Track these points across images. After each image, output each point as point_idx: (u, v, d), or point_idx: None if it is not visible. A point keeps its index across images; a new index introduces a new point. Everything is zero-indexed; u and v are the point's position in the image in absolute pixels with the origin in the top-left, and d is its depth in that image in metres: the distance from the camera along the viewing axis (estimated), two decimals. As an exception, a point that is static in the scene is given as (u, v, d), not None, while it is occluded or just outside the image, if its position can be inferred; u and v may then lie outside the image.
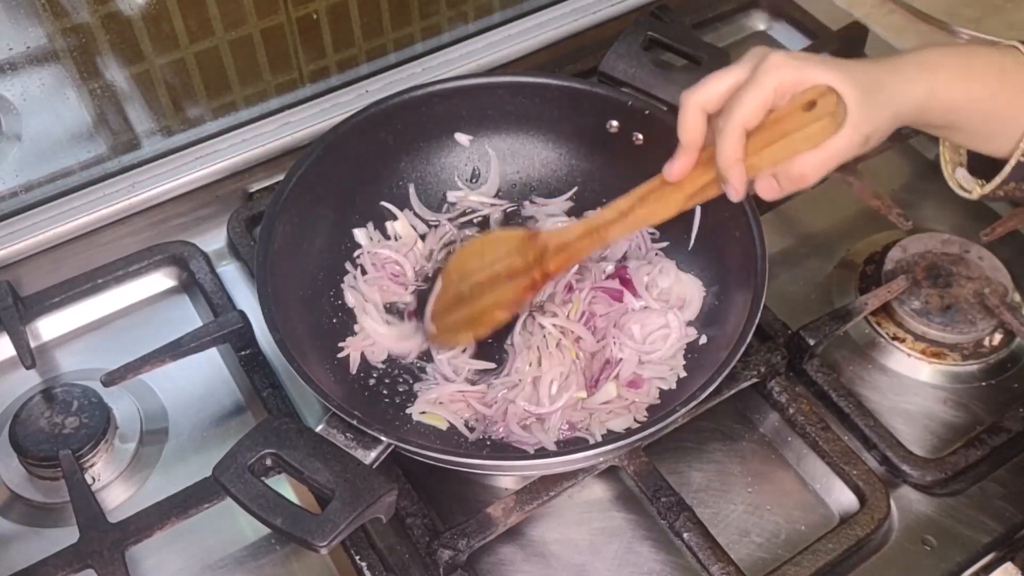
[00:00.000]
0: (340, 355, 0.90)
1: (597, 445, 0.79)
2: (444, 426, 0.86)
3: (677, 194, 0.75)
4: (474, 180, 1.02)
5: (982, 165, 0.77)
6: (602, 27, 1.23)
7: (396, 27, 1.13)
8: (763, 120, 0.69)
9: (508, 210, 1.02)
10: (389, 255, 0.96)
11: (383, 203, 0.99)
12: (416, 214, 1.00)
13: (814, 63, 0.68)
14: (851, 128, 0.68)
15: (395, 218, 0.99)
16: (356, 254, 0.96)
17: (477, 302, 0.87)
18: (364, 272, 0.95)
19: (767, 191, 0.71)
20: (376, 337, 0.91)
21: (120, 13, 0.94)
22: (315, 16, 1.06)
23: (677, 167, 0.74)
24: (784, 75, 0.68)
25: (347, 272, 0.95)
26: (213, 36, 1.01)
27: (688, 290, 0.93)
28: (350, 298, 0.93)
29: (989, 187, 0.76)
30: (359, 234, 0.97)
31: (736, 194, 0.71)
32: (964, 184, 0.79)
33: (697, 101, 0.72)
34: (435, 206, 1.01)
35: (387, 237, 0.98)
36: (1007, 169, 0.73)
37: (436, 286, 0.89)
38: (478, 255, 0.88)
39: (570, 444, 0.84)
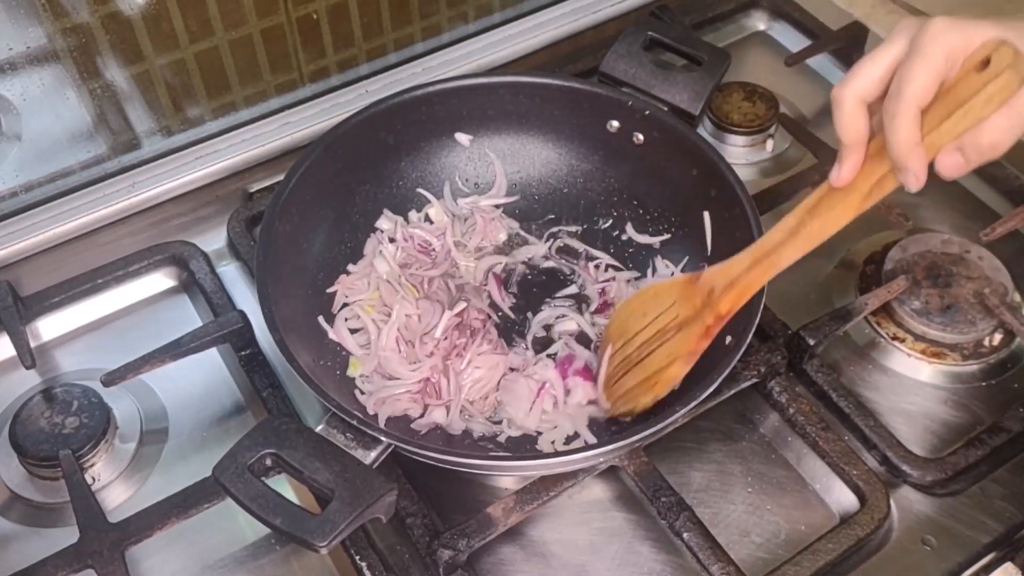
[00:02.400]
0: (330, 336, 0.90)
1: (597, 445, 0.79)
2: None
3: (851, 197, 0.69)
4: (477, 185, 1.02)
5: None
6: (602, 27, 1.23)
7: (396, 27, 1.14)
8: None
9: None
10: (419, 233, 0.96)
11: (419, 190, 1.00)
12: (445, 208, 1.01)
13: (977, 21, 0.61)
14: None
15: (429, 203, 1.00)
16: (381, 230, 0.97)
17: (650, 362, 0.82)
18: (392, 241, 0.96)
19: (952, 169, 0.64)
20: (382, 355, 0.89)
21: (120, 13, 0.94)
22: (315, 16, 1.06)
23: (847, 169, 0.67)
24: (951, 39, 0.61)
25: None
26: (213, 36, 1.01)
27: None
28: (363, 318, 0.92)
29: None
30: (383, 221, 0.98)
31: (917, 182, 0.64)
32: None
33: (854, 93, 0.65)
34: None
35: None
36: None
37: (601, 359, 0.86)
38: (639, 314, 0.84)
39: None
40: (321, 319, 0.91)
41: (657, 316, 0.82)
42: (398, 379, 0.86)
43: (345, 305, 0.93)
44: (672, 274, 0.95)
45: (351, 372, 0.89)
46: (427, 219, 0.99)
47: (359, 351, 0.89)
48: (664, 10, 1.20)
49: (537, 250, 0.99)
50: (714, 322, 0.78)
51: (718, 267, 0.79)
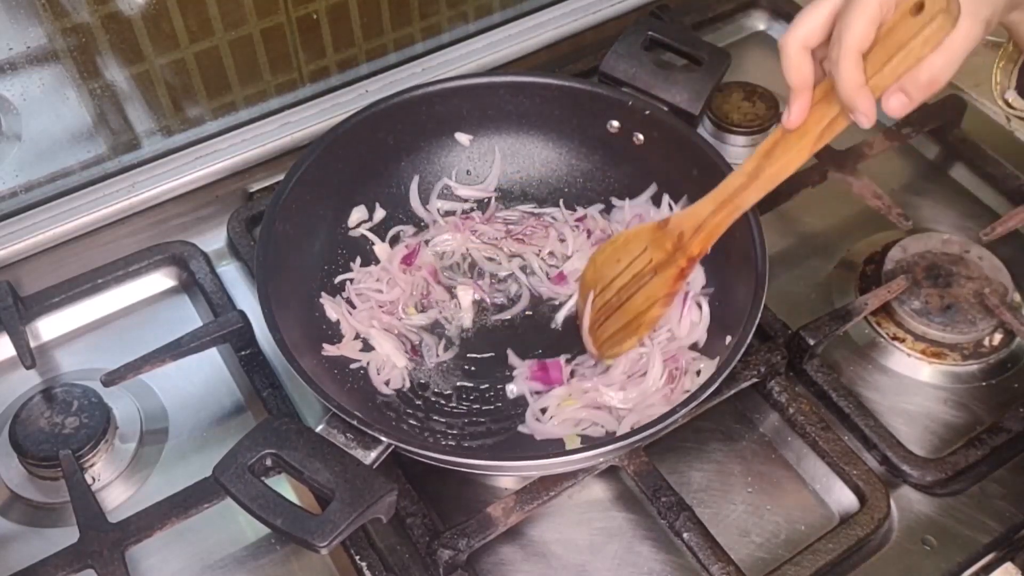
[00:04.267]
0: (352, 366, 0.89)
1: (597, 445, 0.79)
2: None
3: (804, 139, 0.73)
4: (469, 174, 1.03)
5: None
6: (602, 27, 1.23)
7: (396, 27, 1.13)
8: (875, 37, 0.66)
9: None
10: (370, 286, 0.94)
11: (363, 231, 0.98)
12: (413, 211, 1.00)
13: None
14: (969, 18, 0.64)
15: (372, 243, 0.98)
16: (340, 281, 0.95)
17: (630, 306, 0.86)
18: (352, 306, 0.93)
19: (898, 107, 0.68)
20: (398, 363, 0.90)
21: (120, 13, 0.94)
22: (315, 16, 1.06)
23: (795, 111, 0.72)
24: None
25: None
26: (213, 36, 1.01)
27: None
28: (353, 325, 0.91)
29: None
30: (353, 217, 0.98)
31: (867, 120, 0.68)
32: (1014, 103, 0.77)
33: (797, 39, 0.70)
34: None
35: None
36: None
37: (578, 304, 0.89)
38: (612, 261, 0.88)
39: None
40: (324, 296, 0.92)
41: (631, 262, 0.86)
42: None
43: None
44: (696, 276, 0.94)
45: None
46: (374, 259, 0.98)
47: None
48: (664, 10, 1.20)
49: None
50: (687, 264, 0.83)
51: (684, 212, 0.83)
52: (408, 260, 0.96)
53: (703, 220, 0.81)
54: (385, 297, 0.93)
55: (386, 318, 0.92)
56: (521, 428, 0.86)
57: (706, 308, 0.90)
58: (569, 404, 0.86)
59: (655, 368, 0.85)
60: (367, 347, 0.90)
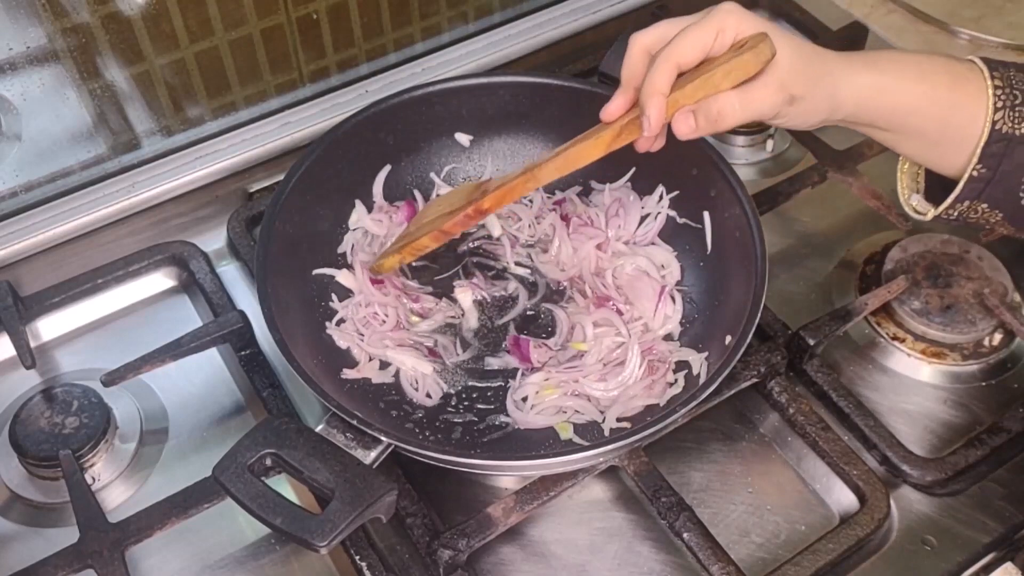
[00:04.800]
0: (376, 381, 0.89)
1: (597, 445, 0.79)
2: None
3: (604, 132, 0.76)
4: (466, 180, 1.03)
5: (941, 195, 0.75)
6: (602, 27, 1.23)
7: (396, 27, 1.13)
8: (699, 64, 0.70)
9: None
10: (365, 314, 0.92)
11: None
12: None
13: (765, 21, 0.69)
14: (775, 80, 0.68)
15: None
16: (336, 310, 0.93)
17: (411, 234, 0.89)
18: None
19: (684, 128, 0.71)
20: (425, 371, 0.89)
21: (120, 13, 0.94)
22: (315, 16, 1.06)
23: (613, 106, 0.75)
24: (729, 19, 0.68)
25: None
26: (213, 36, 1.01)
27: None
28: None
29: (943, 206, 0.74)
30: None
31: (649, 126, 0.71)
32: (919, 208, 0.79)
33: (643, 42, 0.74)
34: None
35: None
36: (960, 185, 0.72)
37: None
38: (435, 205, 0.92)
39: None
40: (331, 328, 0.91)
41: (444, 208, 0.89)
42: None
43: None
44: (673, 270, 0.95)
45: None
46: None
47: None
48: (664, 10, 1.20)
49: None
50: (473, 213, 0.84)
51: (498, 177, 0.87)
52: (376, 281, 0.94)
53: (506, 182, 0.83)
54: (388, 324, 0.91)
55: (396, 334, 0.91)
56: (504, 417, 0.86)
57: (679, 301, 0.92)
58: (549, 393, 0.86)
59: (633, 358, 0.86)
60: (383, 364, 0.90)
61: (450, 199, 0.90)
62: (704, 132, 0.71)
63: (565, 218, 0.98)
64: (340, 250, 0.96)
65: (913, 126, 0.72)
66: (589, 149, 0.77)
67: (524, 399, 0.86)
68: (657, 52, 0.71)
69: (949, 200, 0.74)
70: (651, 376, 0.86)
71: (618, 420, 0.84)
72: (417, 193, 1.00)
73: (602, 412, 0.85)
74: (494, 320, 0.94)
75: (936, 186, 0.78)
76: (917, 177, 0.80)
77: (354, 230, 0.97)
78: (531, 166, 0.81)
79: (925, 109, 0.71)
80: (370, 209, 0.98)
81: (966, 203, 0.73)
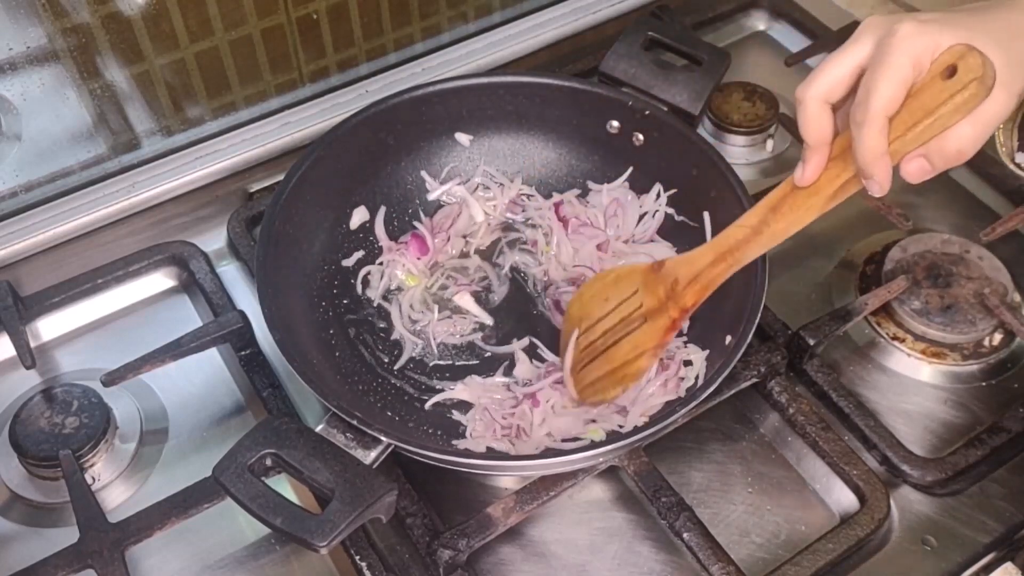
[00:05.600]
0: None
1: (597, 445, 0.79)
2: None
3: (814, 198, 0.69)
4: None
5: None
6: (602, 27, 1.23)
7: (396, 27, 1.13)
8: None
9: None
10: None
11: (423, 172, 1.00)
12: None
13: (948, 24, 0.61)
14: (1002, 89, 0.60)
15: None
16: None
17: (615, 353, 0.82)
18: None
19: (917, 174, 0.64)
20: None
21: (120, 13, 0.94)
22: (315, 16, 1.06)
23: (810, 170, 0.68)
24: (920, 45, 0.60)
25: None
26: (213, 36, 1.01)
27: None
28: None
29: None
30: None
31: (881, 190, 0.65)
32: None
33: (818, 94, 0.65)
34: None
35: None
36: None
37: (567, 343, 0.86)
38: (600, 299, 0.84)
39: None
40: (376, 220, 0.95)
41: (620, 303, 0.82)
42: None
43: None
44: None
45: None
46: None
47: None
48: (664, 10, 1.20)
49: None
50: (679, 315, 0.78)
51: (681, 258, 0.79)
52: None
53: (700, 270, 0.77)
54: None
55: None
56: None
57: None
58: (571, 406, 0.85)
59: None
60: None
61: (615, 288, 0.83)
62: (940, 171, 0.64)
63: (564, 220, 0.98)
64: (347, 263, 0.96)
65: None
66: (799, 220, 0.70)
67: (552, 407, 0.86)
68: (855, 104, 0.63)
69: None
70: (664, 373, 0.85)
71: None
72: (418, 224, 1.00)
73: (624, 416, 0.84)
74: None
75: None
76: (1012, 133, 0.76)
77: (377, 264, 0.97)
78: (726, 248, 0.74)
79: None
80: (377, 248, 0.98)
81: None
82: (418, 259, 0.97)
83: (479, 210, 0.99)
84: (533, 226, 1.00)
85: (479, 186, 1.01)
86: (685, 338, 0.89)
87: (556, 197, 1.00)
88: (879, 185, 0.64)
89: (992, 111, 0.61)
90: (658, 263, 0.81)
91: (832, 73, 0.65)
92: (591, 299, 0.86)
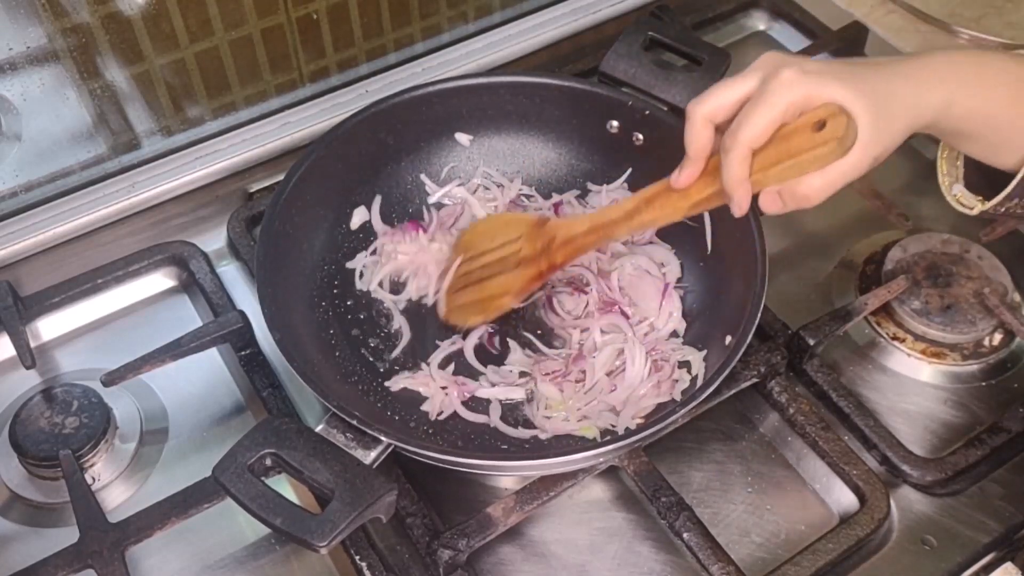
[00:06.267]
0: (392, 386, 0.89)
1: (597, 445, 0.79)
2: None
3: (682, 202, 0.76)
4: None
5: (978, 181, 0.76)
6: (602, 27, 1.23)
7: (396, 27, 1.13)
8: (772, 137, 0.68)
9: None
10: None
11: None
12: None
13: (827, 78, 0.66)
14: (860, 150, 0.66)
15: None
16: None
17: (487, 286, 0.89)
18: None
19: (770, 206, 0.71)
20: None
21: (120, 13, 0.94)
22: (315, 16, 1.06)
23: (684, 177, 0.75)
24: (795, 93, 0.66)
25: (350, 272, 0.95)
26: (213, 36, 1.01)
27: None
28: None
29: (992, 203, 0.74)
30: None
31: (740, 211, 0.72)
32: (963, 200, 0.78)
33: (703, 113, 0.72)
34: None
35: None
36: (1013, 183, 0.71)
37: (449, 266, 0.92)
38: (488, 236, 0.91)
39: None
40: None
41: (504, 243, 0.89)
42: None
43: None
44: (672, 268, 0.95)
45: None
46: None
47: None
48: (664, 10, 1.20)
49: None
50: (546, 269, 0.85)
51: (563, 221, 0.87)
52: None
53: (575, 235, 0.83)
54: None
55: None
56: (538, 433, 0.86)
57: (676, 299, 0.92)
58: (561, 408, 0.86)
59: (637, 360, 0.86)
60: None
61: (503, 230, 0.90)
62: (791, 209, 0.71)
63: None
64: (350, 265, 0.96)
65: (975, 129, 0.71)
66: (664, 216, 0.78)
67: (547, 408, 0.86)
68: (727, 131, 0.69)
69: (1000, 197, 0.73)
70: (657, 374, 0.86)
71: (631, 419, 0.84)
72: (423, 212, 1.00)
73: (616, 415, 0.85)
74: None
75: (974, 174, 0.77)
76: (956, 162, 0.79)
77: (370, 252, 0.97)
78: (601, 222, 0.82)
79: (989, 115, 0.70)
80: (373, 233, 0.98)
81: (1015, 200, 0.73)
82: (416, 235, 0.97)
83: (480, 209, 0.99)
84: None
85: (479, 187, 1.01)
86: (680, 339, 0.89)
87: (556, 198, 1.00)
88: (738, 206, 0.71)
89: (841, 169, 0.67)
90: (543, 218, 0.88)
91: (720, 97, 0.71)
92: (481, 234, 0.92)
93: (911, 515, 0.83)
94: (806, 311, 0.94)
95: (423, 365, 0.90)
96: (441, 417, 0.87)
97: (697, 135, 0.72)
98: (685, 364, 0.87)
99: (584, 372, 0.87)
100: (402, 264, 0.96)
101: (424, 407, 0.87)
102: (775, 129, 0.68)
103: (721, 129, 0.72)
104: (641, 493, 0.81)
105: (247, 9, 1.01)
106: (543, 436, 0.85)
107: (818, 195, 0.69)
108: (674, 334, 0.91)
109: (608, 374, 0.87)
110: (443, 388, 0.87)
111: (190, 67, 1.03)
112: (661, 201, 0.77)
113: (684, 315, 0.92)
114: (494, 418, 0.86)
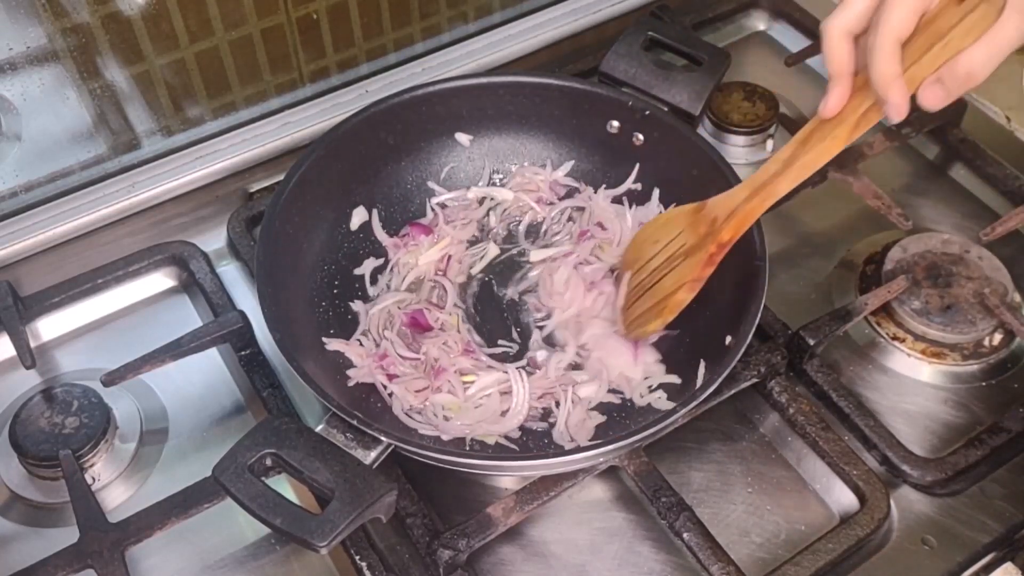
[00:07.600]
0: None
1: (597, 445, 0.79)
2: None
3: (839, 128, 0.72)
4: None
5: None
6: (602, 27, 1.23)
7: (396, 27, 1.13)
8: (916, 27, 0.65)
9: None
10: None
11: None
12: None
13: None
14: (1014, 11, 0.62)
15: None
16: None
17: (660, 287, 0.86)
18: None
19: (933, 100, 0.66)
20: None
21: (120, 13, 0.94)
22: (315, 16, 1.06)
23: (833, 100, 0.71)
24: None
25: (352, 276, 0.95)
26: (213, 36, 1.01)
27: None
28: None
29: None
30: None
31: (899, 113, 0.67)
32: None
33: (840, 25, 0.68)
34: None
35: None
36: None
37: (620, 284, 0.91)
38: (652, 241, 0.89)
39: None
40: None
41: (668, 243, 0.86)
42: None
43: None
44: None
45: None
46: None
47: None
48: (664, 10, 1.20)
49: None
50: (716, 250, 0.81)
51: (720, 197, 0.83)
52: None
53: (737, 205, 0.80)
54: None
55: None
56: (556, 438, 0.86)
57: (650, 350, 0.90)
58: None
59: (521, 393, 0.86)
60: None
61: (663, 229, 0.88)
62: (955, 96, 0.66)
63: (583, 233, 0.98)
64: (358, 271, 0.96)
65: None
66: (827, 150, 0.73)
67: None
68: (869, 31, 0.66)
69: None
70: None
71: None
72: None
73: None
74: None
75: None
76: None
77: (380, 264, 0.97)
78: (761, 182, 0.78)
79: None
80: (382, 250, 0.98)
81: None
82: (424, 237, 0.97)
83: (507, 192, 0.99)
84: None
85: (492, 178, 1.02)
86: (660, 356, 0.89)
87: (560, 204, 1.00)
88: (896, 109, 0.66)
89: (1003, 33, 0.62)
90: (701, 203, 0.85)
91: (853, 5, 0.67)
92: (643, 242, 0.90)
93: (911, 515, 0.83)
94: (806, 311, 0.94)
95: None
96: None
97: (837, 51, 0.68)
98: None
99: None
100: (423, 269, 0.96)
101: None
102: (919, 15, 0.64)
103: (860, 43, 0.68)
104: (641, 493, 0.81)
105: (247, 9, 1.01)
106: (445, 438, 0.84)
107: (983, 68, 0.64)
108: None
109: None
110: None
111: (190, 67, 1.03)
112: (817, 136, 0.73)
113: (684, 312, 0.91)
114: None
